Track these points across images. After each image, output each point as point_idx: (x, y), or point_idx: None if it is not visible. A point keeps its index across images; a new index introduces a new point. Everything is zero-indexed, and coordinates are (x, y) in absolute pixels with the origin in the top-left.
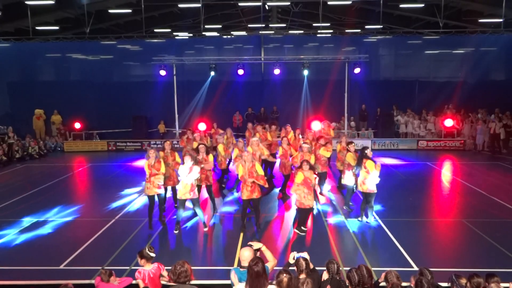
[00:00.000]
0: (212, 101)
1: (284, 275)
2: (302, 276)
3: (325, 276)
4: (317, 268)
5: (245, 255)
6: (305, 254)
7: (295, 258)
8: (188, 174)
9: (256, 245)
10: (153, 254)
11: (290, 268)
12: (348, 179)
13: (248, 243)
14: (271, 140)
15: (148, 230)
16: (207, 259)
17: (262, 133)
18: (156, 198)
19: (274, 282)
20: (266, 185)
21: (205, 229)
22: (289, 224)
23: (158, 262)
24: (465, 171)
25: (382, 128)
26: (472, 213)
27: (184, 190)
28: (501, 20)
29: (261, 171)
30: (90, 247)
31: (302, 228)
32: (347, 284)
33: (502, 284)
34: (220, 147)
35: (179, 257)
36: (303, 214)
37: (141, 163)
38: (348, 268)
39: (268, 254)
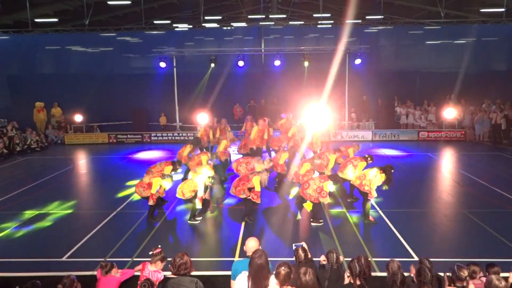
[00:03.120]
0: (212, 93)
1: (282, 268)
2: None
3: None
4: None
5: (249, 245)
6: (303, 244)
7: (294, 248)
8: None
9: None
10: (153, 252)
11: (290, 259)
12: (349, 172)
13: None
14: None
15: (150, 222)
16: (209, 251)
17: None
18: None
19: (274, 273)
20: (259, 201)
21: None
22: (291, 216)
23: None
24: (466, 162)
25: (383, 119)
26: (472, 203)
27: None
28: (503, 9)
29: (257, 187)
30: (92, 239)
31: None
32: (347, 274)
33: (503, 274)
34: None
35: (181, 249)
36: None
37: (141, 155)
38: (348, 259)
39: None
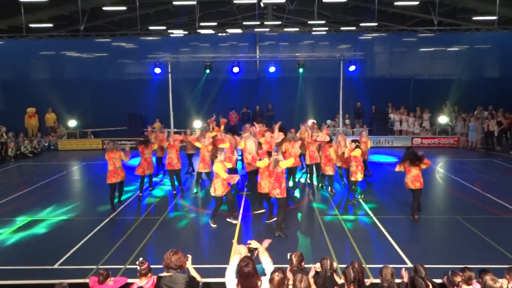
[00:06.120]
0: (207, 99)
1: (276, 274)
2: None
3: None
4: (311, 265)
5: (240, 252)
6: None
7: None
8: None
9: (255, 244)
10: (140, 267)
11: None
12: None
13: (248, 242)
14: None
15: (142, 229)
16: (202, 257)
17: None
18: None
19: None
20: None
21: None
22: (290, 220)
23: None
24: (459, 168)
25: (377, 125)
26: (465, 209)
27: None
28: (495, 17)
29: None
30: (85, 246)
31: None
32: (342, 281)
33: None
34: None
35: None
36: None
37: (135, 161)
38: (342, 265)
39: (264, 259)
